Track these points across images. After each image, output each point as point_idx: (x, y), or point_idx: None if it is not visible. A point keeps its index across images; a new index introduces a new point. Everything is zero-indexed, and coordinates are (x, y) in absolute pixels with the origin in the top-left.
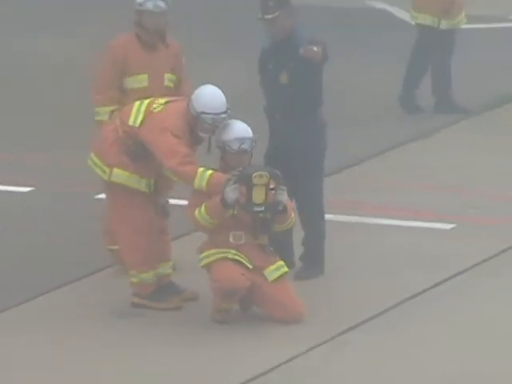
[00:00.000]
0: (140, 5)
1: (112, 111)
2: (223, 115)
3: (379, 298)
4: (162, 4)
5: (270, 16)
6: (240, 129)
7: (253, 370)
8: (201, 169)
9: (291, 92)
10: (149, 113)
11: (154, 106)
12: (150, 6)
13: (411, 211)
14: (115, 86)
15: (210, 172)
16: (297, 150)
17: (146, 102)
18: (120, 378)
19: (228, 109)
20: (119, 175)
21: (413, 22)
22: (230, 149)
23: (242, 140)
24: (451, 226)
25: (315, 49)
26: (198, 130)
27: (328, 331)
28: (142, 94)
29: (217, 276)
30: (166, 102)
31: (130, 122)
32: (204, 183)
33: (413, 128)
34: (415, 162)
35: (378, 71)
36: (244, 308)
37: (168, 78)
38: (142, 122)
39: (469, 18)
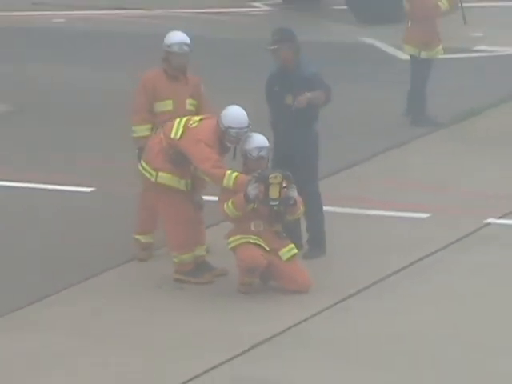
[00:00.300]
0: (168, 46)
1: (149, 129)
2: (246, 129)
3: (371, 272)
4: (185, 47)
5: (271, 47)
6: (259, 139)
7: (270, 331)
8: (228, 171)
9: (296, 111)
10: (187, 128)
11: (191, 122)
12: (176, 48)
13: (395, 203)
14: (147, 109)
15: (235, 174)
16: (297, 156)
17: (185, 119)
18: (166, 337)
19: (249, 124)
20: (164, 177)
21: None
22: (251, 156)
23: (260, 149)
24: (427, 215)
25: (308, 94)
26: (226, 141)
27: (330, 299)
28: (168, 116)
29: (241, 256)
30: (201, 119)
31: (172, 135)
32: (231, 183)
33: (393, 139)
34: (397, 165)
35: (366, 95)
36: (263, 281)
37: (189, 103)
38: (181, 134)
39: (444, 49)
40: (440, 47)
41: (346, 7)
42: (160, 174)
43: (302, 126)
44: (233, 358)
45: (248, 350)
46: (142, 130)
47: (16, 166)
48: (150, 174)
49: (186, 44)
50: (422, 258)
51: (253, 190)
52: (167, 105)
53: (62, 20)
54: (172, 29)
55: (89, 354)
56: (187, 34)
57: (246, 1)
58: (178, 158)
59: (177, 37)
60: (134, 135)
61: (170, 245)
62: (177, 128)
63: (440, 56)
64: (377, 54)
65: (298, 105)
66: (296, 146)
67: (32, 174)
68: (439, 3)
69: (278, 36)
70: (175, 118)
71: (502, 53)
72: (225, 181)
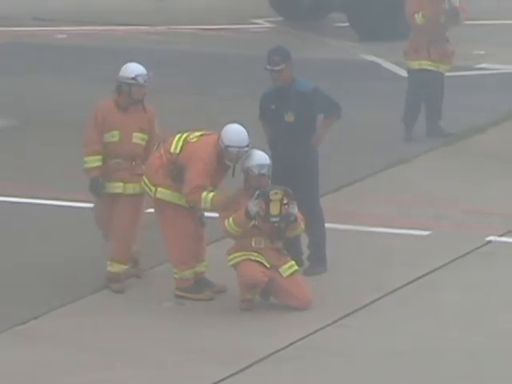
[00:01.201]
0: (132, 79)
1: (100, 159)
2: (246, 148)
3: (372, 289)
4: (147, 78)
5: (278, 68)
6: (260, 157)
7: (271, 347)
8: (204, 194)
9: (295, 128)
10: (186, 142)
11: (191, 137)
12: (141, 80)
13: (396, 220)
14: (97, 141)
15: (211, 195)
16: (298, 174)
17: (185, 134)
18: (167, 353)
19: (250, 143)
20: (163, 192)
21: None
22: (252, 173)
23: (261, 166)
24: (428, 232)
25: (320, 132)
26: (225, 159)
27: (331, 316)
28: (114, 147)
29: (242, 273)
30: (201, 135)
31: (172, 150)
32: (208, 205)
33: (394, 156)
34: (397, 182)
35: (366, 111)
36: (264, 298)
37: (137, 136)
38: (181, 148)
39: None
40: (421, 61)
41: (347, 24)
42: (159, 189)
43: (303, 144)
44: (234, 374)
45: (249, 366)
46: (93, 161)
47: (17, 180)
48: (149, 189)
49: (147, 75)
50: (422, 276)
51: (254, 207)
52: (114, 136)
53: (64, 36)
54: (175, 45)
55: (89, 370)
56: (190, 50)
57: (247, 18)
58: (178, 174)
59: (139, 68)
60: (86, 166)
61: (171, 260)
62: (176, 142)
63: (426, 68)
64: (378, 71)
65: (316, 145)
66: (297, 164)
67: (34, 189)
68: (415, 15)
69: (281, 56)
70: (122, 150)
71: (504, 70)
72: (202, 204)
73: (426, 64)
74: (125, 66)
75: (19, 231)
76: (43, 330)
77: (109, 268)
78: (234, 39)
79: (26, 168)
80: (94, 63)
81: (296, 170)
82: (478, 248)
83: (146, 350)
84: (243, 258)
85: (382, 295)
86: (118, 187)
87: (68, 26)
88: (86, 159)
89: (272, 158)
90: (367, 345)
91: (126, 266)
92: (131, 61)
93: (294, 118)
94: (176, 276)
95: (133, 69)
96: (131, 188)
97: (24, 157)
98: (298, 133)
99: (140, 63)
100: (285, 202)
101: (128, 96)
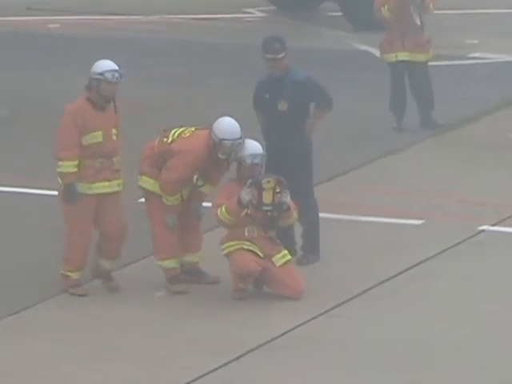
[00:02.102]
0: (100, 74)
1: (77, 165)
2: (239, 141)
3: (364, 278)
4: (117, 75)
5: (280, 56)
6: (253, 146)
7: (264, 336)
8: (177, 195)
9: (288, 117)
10: (180, 136)
11: (186, 132)
12: (109, 76)
13: (388, 210)
14: (77, 144)
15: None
16: (292, 164)
17: (181, 129)
18: (159, 342)
19: (242, 135)
20: (146, 181)
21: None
22: (245, 163)
23: (254, 156)
24: (420, 221)
25: (311, 121)
26: (219, 153)
27: (324, 305)
28: (97, 148)
29: (235, 262)
30: (195, 129)
31: (165, 140)
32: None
33: (386, 146)
34: (390, 172)
35: (360, 101)
36: (257, 287)
37: (113, 133)
38: (172, 141)
39: (439, 56)
40: (398, 53)
41: (340, 14)
42: (143, 177)
43: (296, 133)
44: (227, 363)
45: (242, 355)
46: (71, 166)
47: (13, 171)
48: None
49: (118, 72)
50: (415, 265)
51: (246, 195)
52: (97, 136)
53: (58, 25)
54: (167, 34)
55: (78, 361)
56: (182, 40)
57: (239, 7)
58: (164, 164)
59: (108, 65)
60: (63, 170)
61: (152, 250)
62: (172, 135)
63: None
64: (371, 61)
65: (309, 132)
66: (291, 154)
67: (29, 180)
68: (382, 8)
69: (280, 44)
70: (105, 149)
71: (496, 60)
72: (169, 199)
73: (402, 55)
74: (96, 63)
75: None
76: (32, 322)
77: (104, 265)
78: (227, 29)
79: (15, 159)
80: (85, 53)
81: (290, 160)
82: (471, 237)
83: (136, 341)
84: (236, 247)
85: (375, 285)
86: (104, 186)
87: (61, 16)
88: (62, 163)
89: (266, 147)
90: (360, 334)
91: (118, 260)
92: (122, 51)
93: (287, 107)
94: (157, 265)
95: (103, 65)
96: (116, 185)
97: (12, 147)
98: (292, 122)
99: (131, 53)
100: (277, 190)
101: (97, 93)
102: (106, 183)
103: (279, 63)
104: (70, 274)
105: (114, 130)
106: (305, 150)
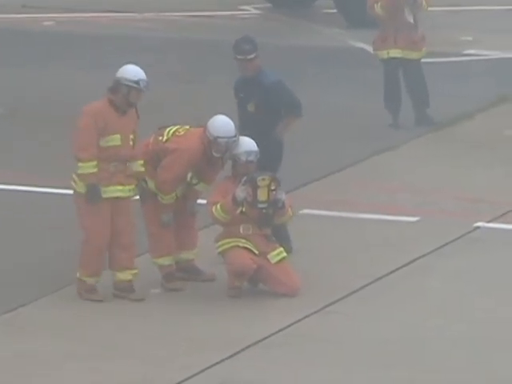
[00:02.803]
0: (136, 82)
1: (96, 165)
2: (234, 139)
3: (359, 276)
4: (147, 85)
5: (250, 56)
6: (247, 144)
7: (260, 334)
8: (172, 194)
9: (256, 119)
10: (174, 134)
11: (180, 130)
12: (142, 85)
13: (384, 207)
14: (96, 145)
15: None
16: (260, 163)
17: (176, 127)
18: (155, 340)
19: (237, 133)
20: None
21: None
22: (240, 160)
23: (249, 153)
24: (415, 218)
25: (280, 128)
26: (213, 150)
27: (319, 302)
28: (114, 151)
29: (230, 260)
30: (189, 127)
31: (160, 138)
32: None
33: (381, 142)
34: (385, 169)
35: (355, 98)
36: (252, 285)
37: (131, 138)
38: (167, 139)
39: (433, 53)
40: (390, 50)
41: (335, 11)
42: None
43: (263, 134)
44: (222, 361)
45: (238, 353)
46: (91, 167)
47: (12, 169)
48: None
49: (147, 81)
50: (411, 262)
51: (241, 193)
52: (115, 140)
53: (52, 23)
54: (164, 32)
55: (77, 360)
56: (178, 37)
57: (235, 4)
58: (158, 162)
59: (142, 73)
60: (83, 172)
61: (148, 247)
62: (167, 134)
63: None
64: (367, 58)
65: (277, 138)
66: (260, 151)
67: (28, 178)
68: (375, 5)
69: (251, 45)
70: (122, 153)
71: (491, 56)
72: (164, 198)
73: (394, 52)
74: (126, 67)
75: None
76: (31, 320)
77: (120, 277)
78: (223, 26)
79: (14, 157)
80: (80, 51)
81: (260, 158)
82: (466, 234)
83: (134, 340)
84: (231, 245)
85: (370, 281)
86: (118, 190)
87: (56, 13)
88: (82, 165)
89: None
90: (355, 331)
91: (136, 271)
92: (118, 48)
93: (254, 109)
94: (154, 263)
95: (136, 72)
96: (127, 190)
97: (11, 145)
98: (259, 123)
99: (128, 50)
100: (272, 188)
101: (124, 98)
102: (120, 187)
103: (250, 64)
104: (86, 278)
105: (131, 136)
106: (270, 153)
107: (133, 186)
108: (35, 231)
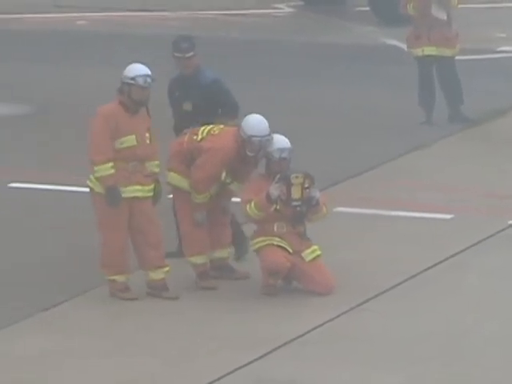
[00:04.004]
0: (132, 79)
1: (113, 167)
2: (268, 137)
3: (393, 274)
4: (149, 80)
5: (188, 55)
6: (281, 141)
7: (294, 332)
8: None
9: (192, 118)
10: (209, 133)
11: (215, 129)
12: (140, 81)
13: (417, 205)
14: (111, 147)
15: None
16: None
17: (210, 126)
18: (190, 337)
19: (270, 132)
20: (173, 178)
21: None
22: (273, 157)
23: (282, 150)
24: (450, 216)
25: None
26: (247, 149)
27: (353, 301)
28: (131, 152)
29: (264, 258)
30: (224, 127)
31: (194, 137)
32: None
33: (415, 140)
34: (420, 166)
35: (389, 96)
36: (286, 283)
37: (147, 137)
38: (202, 138)
39: (467, 50)
40: (424, 48)
41: (368, 8)
42: (171, 173)
43: None
44: (257, 359)
45: (271, 351)
46: (107, 169)
47: (40, 167)
48: (165, 174)
49: (149, 77)
50: (445, 259)
51: (275, 191)
52: (130, 140)
53: (84, 22)
54: (194, 31)
55: (107, 356)
56: (210, 36)
57: (269, 2)
58: (192, 161)
59: (140, 69)
60: (101, 175)
61: (182, 245)
62: (202, 133)
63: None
64: (399, 56)
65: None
66: None
67: (56, 176)
68: (407, 5)
69: (189, 44)
70: (139, 153)
71: None
72: (196, 195)
73: (429, 50)
74: (134, 68)
75: (38, 218)
76: (61, 318)
77: (153, 276)
78: (256, 24)
79: (40, 155)
80: (111, 50)
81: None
82: (501, 231)
83: (167, 338)
84: (266, 243)
85: (404, 279)
86: (137, 190)
87: (89, 13)
88: (97, 168)
89: None
90: (389, 329)
91: (167, 268)
92: (153, 48)
93: (191, 108)
94: (188, 261)
95: (134, 69)
96: (146, 191)
97: (39, 143)
98: (196, 123)
99: (160, 50)
100: (306, 185)
101: (128, 97)
102: (139, 187)
103: (187, 62)
104: (115, 277)
105: (147, 134)
106: None
107: (151, 186)
108: (65, 228)
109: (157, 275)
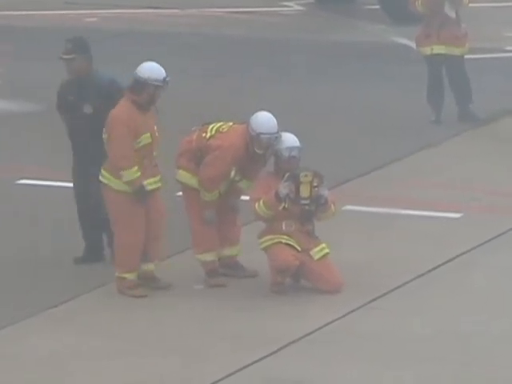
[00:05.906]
0: (155, 80)
1: (139, 169)
2: (276, 135)
3: (402, 272)
4: (167, 79)
5: (66, 57)
6: (290, 139)
7: (303, 330)
8: (215, 192)
9: (94, 120)
10: (218, 131)
11: (224, 126)
12: (158, 80)
13: (426, 203)
14: (134, 150)
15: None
16: (96, 166)
17: (219, 124)
18: (198, 336)
19: (279, 129)
20: (183, 175)
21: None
22: (282, 156)
23: (291, 149)
24: (459, 215)
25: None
26: (255, 147)
27: (362, 299)
28: (148, 150)
29: (273, 257)
30: (232, 124)
31: (203, 135)
32: (208, 198)
33: (424, 139)
34: (429, 165)
35: (398, 94)
36: (295, 281)
37: (156, 131)
38: (211, 136)
39: (476, 49)
40: (433, 46)
41: (378, 7)
42: (180, 171)
43: (100, 136)
44: (265, 357)
45: (280, 349)
46: (134, 172)
47: (51, 165)
48: (175, 172)
49: (166, 76)
50: (455, 257)
51: (284, 189)
52: (146, 138)
53: (95, 19)
54: (204, 28)
55: (117, 357)
56: (219, 33)
57: (278, 0)
58: (202, 159)
59: (156, 68)
60: (129, 179)
61: (191, 243)
62: (210, 130)
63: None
64: (410, 54)
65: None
66: (95, 157)
67: (65, 173)
68: (416, 3)
69: (72, 45)
70: (154, 148)
71: None
72: (204, 193)
73: (438, 48)
74: (150, 68)
75: (47, 215)
76: (70, 316)
77: (145, 268)
78: (266, 22)
79: (49, 152)
80: (121, 47)
81: (94, 162)
82: (510, 230)
83: (174, 335)
84: (274, 241)
85: (413, 277)
86: (154, 182)
87: (99, 10)
88: (124, 173)
89: (72, 149)
90: (398, 327)
91: (157, 262)
92: (162, 44)
93: (92, 110)
94: (197, 259)
95: (161, 71)
96: (158, 181)
97: (48, 141)
98: (98, 125)
99: (169, 47)
100: (315, 184)
101: (149, 97)
102: (153, 179)
103: (70, 64)
104: (126, 275)
105: (155, 128)
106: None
107: (160, 177)
108: (74, 225)
109: (148, 267)
